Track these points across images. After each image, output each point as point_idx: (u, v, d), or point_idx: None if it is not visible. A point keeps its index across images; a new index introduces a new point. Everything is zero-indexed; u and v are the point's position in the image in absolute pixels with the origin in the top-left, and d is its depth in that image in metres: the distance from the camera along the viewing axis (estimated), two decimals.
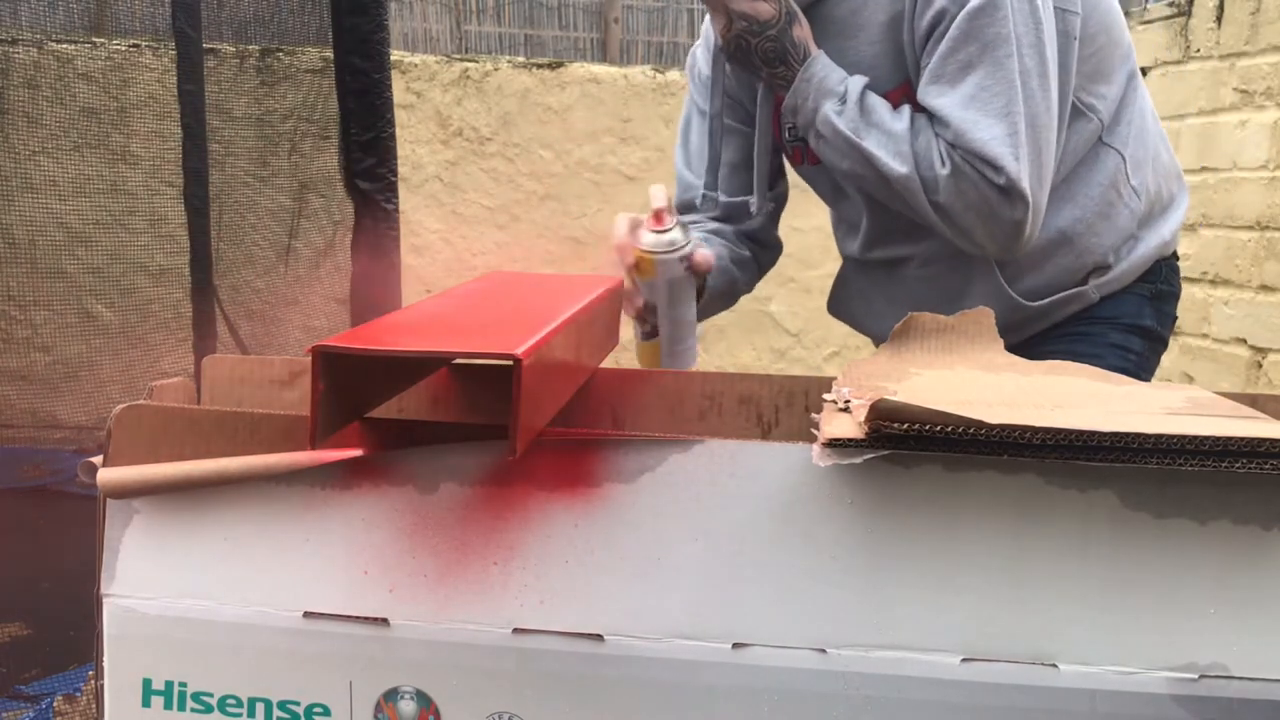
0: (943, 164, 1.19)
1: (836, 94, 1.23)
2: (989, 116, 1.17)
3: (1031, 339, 1.38)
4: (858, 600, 0.67)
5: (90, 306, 2.87)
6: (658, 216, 1.22)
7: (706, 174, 1.41)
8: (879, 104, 1.23)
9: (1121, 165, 1.35)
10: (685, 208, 1.45)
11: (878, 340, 1.57)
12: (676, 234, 1.22)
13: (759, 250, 1.49)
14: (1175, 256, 1.46)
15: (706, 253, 1.26)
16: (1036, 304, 1.35)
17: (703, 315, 1.38)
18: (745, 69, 1.31)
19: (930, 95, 1.20)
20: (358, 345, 0.68)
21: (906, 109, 1.23)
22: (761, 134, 1.38)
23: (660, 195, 1.23)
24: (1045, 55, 1.20)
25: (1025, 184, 1.17)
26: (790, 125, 1.37)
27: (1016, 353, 0.95)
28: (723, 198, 1.42)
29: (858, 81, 1.24)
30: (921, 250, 1.38)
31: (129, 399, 0.76)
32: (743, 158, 1.42)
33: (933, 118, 1.21)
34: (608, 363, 1.07)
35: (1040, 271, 1.35)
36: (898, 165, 1.20)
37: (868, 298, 1.50)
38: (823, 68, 1.24)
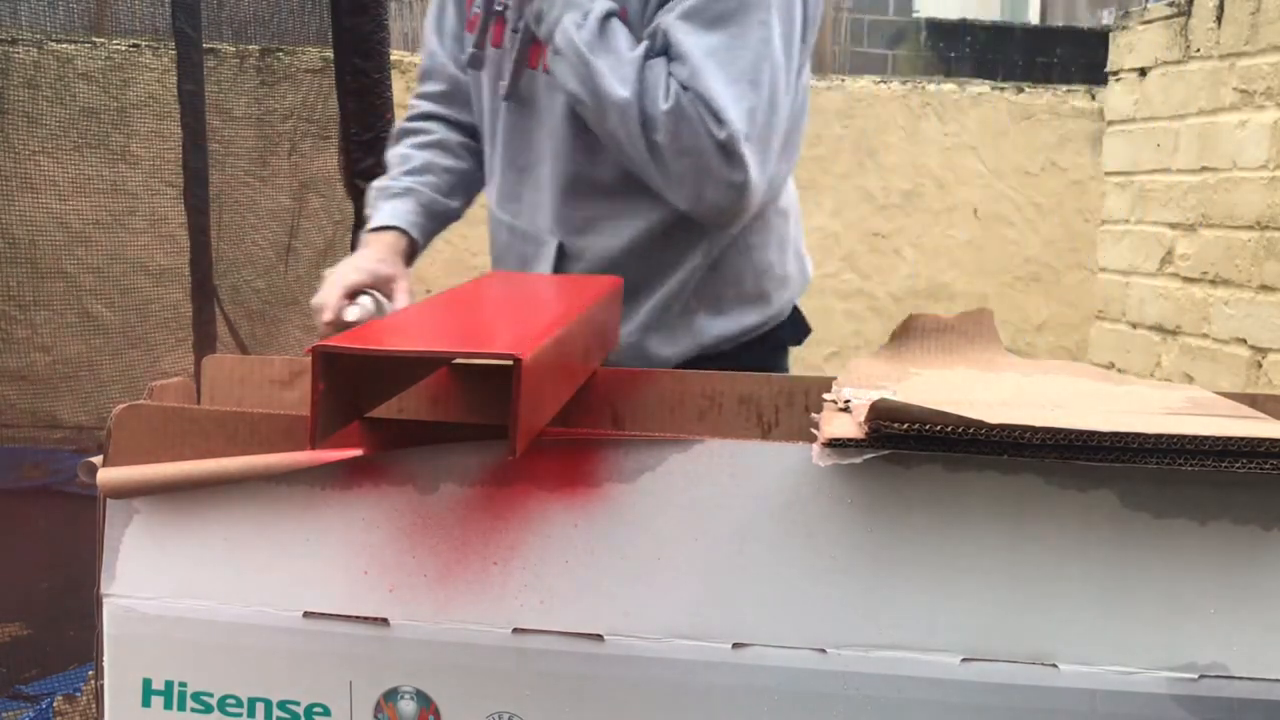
0: (666, 99, 1.13)
1: (581, 8, 1.17)
2: (730, 71, 1.13)
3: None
4: (858, 600, 0.67)
5: (90, 306, 2.87)
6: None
7: (442, 40, 1.38)
8: (620, 30, 1.18)
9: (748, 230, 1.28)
10: (424, 75, 1.43)
11: None
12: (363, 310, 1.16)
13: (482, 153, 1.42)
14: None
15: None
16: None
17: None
18: None
19: (678, 29, 1.15)
20: (358, 345, 0.68)
21: (646, 43, 1.17)
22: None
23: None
24: (794, 42, 1.18)
25: (745, 150, 1.12)
26: (519, 28, 1.29)
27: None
28: (451, 68, 1.39)
29: (605, 4, 1.18)
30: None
31: (129, 399, 0.76)
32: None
33: (672, 54, 1.15)
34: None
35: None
36: (620, 89, 1.14)
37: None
38: None
